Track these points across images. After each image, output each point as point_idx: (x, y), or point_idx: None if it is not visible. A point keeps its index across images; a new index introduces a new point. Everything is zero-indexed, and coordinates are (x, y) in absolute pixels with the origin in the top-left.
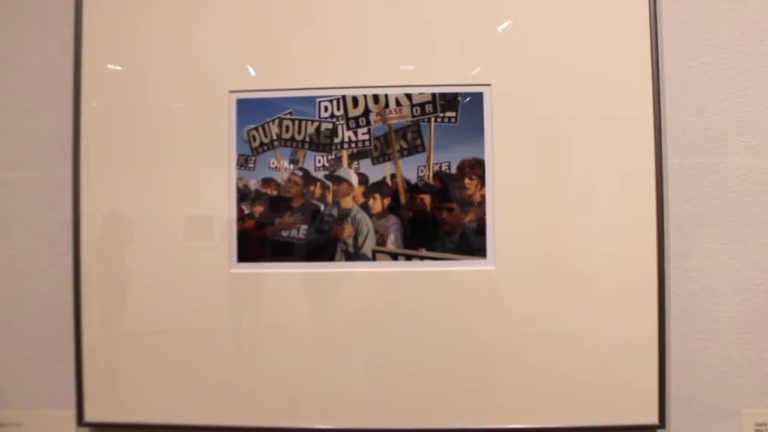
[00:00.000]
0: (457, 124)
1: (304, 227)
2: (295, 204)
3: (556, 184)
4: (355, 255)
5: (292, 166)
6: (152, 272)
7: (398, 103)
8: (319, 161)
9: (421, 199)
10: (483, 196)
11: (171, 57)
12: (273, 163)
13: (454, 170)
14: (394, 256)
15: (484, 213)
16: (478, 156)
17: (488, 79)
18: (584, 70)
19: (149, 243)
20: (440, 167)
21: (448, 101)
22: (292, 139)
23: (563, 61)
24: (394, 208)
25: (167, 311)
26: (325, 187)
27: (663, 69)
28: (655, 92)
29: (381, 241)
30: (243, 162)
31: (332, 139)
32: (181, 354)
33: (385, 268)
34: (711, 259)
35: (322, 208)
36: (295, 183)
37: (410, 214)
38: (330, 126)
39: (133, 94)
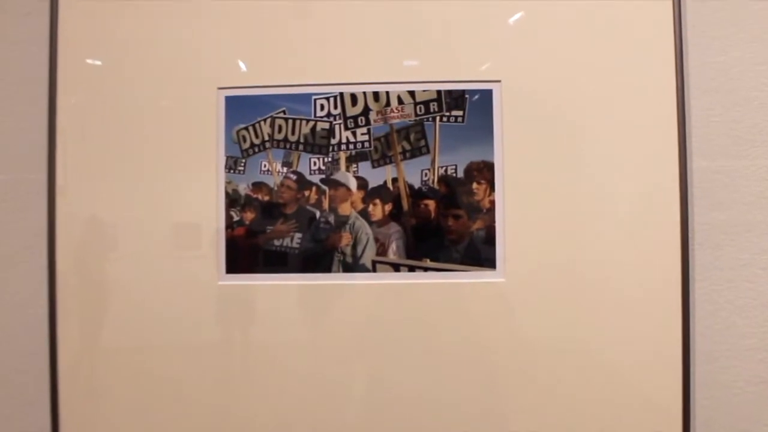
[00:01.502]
0: (464, 124)
1: (298, 235)
2: (289, 210)
3: (571, 190)
4: (353, 266)
5: (285, 170)
6: (134, 284)
7: (400, 101)
8: (315, 164)
9: (425, 205)
10: (492, 202)
11: (155, 51)
12: (265, 166)
13: (460, 174)
14: (396, 267)
15: (493, 220)
16: (486, 158)
17: (498, 75)
18: (602, 66)
19: (131, 252)
20: (446, 170)
21: (454, 99)
22: (286, 139)
23: (579, 57)
24: (395, 215)
25: (150, 326)
26: (321, 192)
27: (687, 65)
28: (679, 90)
29: (382, 250)
30: (232, 165)
31: (329, 140)
32: (165, 373)
33: (386, 280)
34: (740, 271)
35: (318, 214)
36: (289, 188)
37: (413, 221)
38: (326, 126)
39: (114, 91)
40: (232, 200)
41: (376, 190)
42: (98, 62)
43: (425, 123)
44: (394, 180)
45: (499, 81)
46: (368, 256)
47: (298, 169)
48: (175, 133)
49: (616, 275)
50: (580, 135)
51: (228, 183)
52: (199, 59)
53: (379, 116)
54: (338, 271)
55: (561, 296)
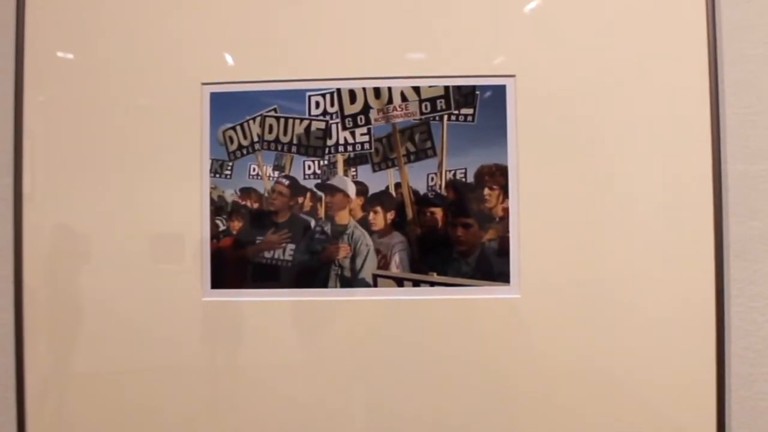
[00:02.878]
0: (474, 124)
1: (291, 247)
2: (281, 219)
3: (593, 196)
4: (352, 280)
5: (276, 174)
6: (110, 300)
7: (404, 98)
8: (309, 167)
9: (432, 213)
10: (506, 210)
11: (132, 43)
12: (254, 170)
13: (471, 178)
14: (399, 282)
15: (507, 230)
16: (499, 161)
17: (513, 70)
18: (628, 60)
19: (106, 265)
20: (454, 175)
21: (464, 96)
22: (277, 140)
23: (602, 49)
24: (399, 224)
25: (128, 347)
26: (316, 199)
27: (722, 58)
28: (713, 86)
29: (383, 263)
30: (218, 168)
31: (325, 141)
32: (144, 400)
33: (388, 295)
34: None
35: (313, 223)
36: (281, 194)
37: (418, 230)
38: (322, 125)
39: (88, 88)
40: (218, 208)
41: (377, 197)
42: (70, 55)
43: (431, 122)
44: (397, 185)
45: (513, 76)
46: (368, 269)
47: (291, 174)
48: (155, 133)
49: (643, 291)
50: (603, 136)
51: (213, 189)
52: (181, 52)
53: (381, 115)
54: (335, 286)
55: (582, 314)
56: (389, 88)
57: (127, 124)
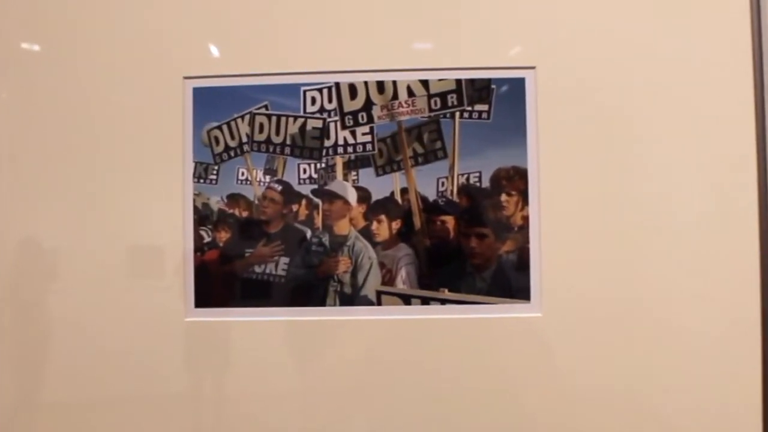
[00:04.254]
0: (490, 121)
1: (284, 260)
2: (273, 229)
3: (624, 203)
4: (353, 297)
5: (267, 179)
6: (81, 322)
7: (411, 93)
8: (305, 171)
9: (442, 223)
10: (525, 218)
11: (106, 32)
12: (242, 174)
13: (486, 183)
14: (406, 299)
15: (527, 240)
16: (518, 164)
17: (532, 61)
18: (663, 50)
19: (76, 283)
20: (468, 179)
21: (478, 90)
22: (268, 141)
23: (632, 38)
24: (405, 235)
25: (102, 374)
26: (312, 207)
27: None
28: (757, 79)
29: (388, 278)
30: (202, 173)
31: (322, 142)
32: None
33: (393, 315)
34: None
35: (309, 234)
36: (272, 201)
37: (427, 242)
38: (319, 124)
39: (56, 83)
40: (202, 217)
41: (381, 204)
42: (36, 47)
43: (441, 120)
44: (404, 191)
45: (533, 68)
46: (371, 285)
47: (284, 178)
48: (131, 134)
49: (681, 310)
50: (635, 135)
51: (197, 195)
52: (160, 42)
53: (385, 112)
54: (334, 305)
55: (612, 336)
56: (394, 82)
57: (100, 124)
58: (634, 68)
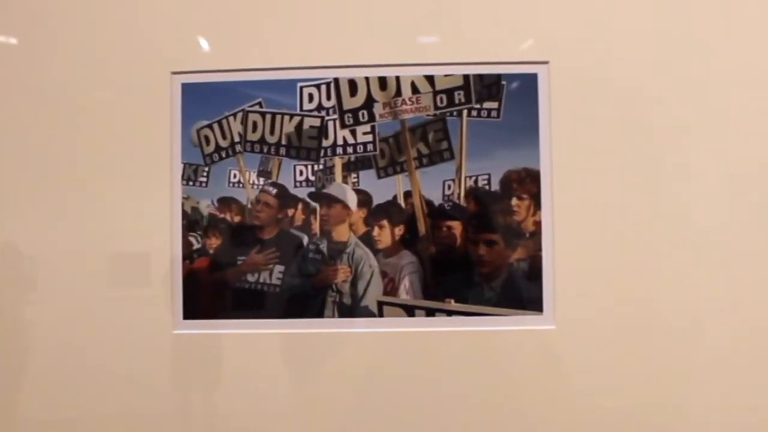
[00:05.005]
0: (499, 120)
1: (279, 269)
2: (267, 235)
3: (643, 207)
4: (353, 308)
5: (261, 181)
6: (62, 334)
7: (415, 90)
8: (302, 173)
9: (449, 228)
10: (538, 224)
11: (88, 25)
12: (234, 176)
13: (495, 186)
14: (410, 311)
15: (539, 248)
16: (530, 165)
17: (545, 55)
18: (687, 44)
19: (58, 292)
20: (476, 182)
21: (486, 87)
22: (262, 141)
23: (654, 31)
24: (409, 241)
25: (84, 390)
26: (309, 211)
27: None
28: None
29: (390, 288)
30: (191, 175)
31: (320, 142)
32: None
33: (396, 327)
34: None
35: (306, 240)
36: (267, 205)
37: (432, 249)
38: (317, 123)
39: (34, 79)
40: (192, 222)
41: (383, 208)
42: (13, 40)
43: (448, 118)
44: (407, 194)
45: (546, 63)
46: (372, 295)
47: (279, 181)
48: (115, 133)
49: (708, 323)
50: (657, 135)
51: (186, 199)
52: (147, 35)
53: (387, 110)
54: (333, 316)
55: (631, 351)
56: (397, 78)
57: (81, 123)
58: (657, 63)
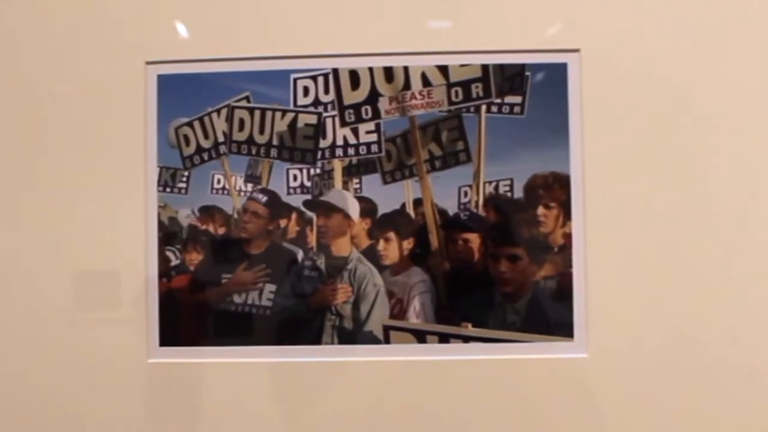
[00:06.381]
0: (523, 117)
1: (270, 288)
2: (256, 249)
3: (688, 217)
4: (355, 334)
5: (249, 187)
6: (22, 365)
7: (426, 82)
8: (296, 178)
9: (465, 241)
10: (568, 236)
11: (51, 8)
12: (218, 182)
13: (519, 193)
14: (420, 336)
15: (569, 264)
16: (558, 169)
17: (576, 42)
18: (736, 31)
19: (15, 317)
20: (496, 188)
21: (508, 79)
22: (251, 141)
23: (699, 14)
24: (419, 257)
25: (48, 428)
26: (304, 222)
27: None
28: None
29: (398, 310)
30: (168, 180)
31: (317, 142)
32: None
33: (405, 355)
34: None
35: (301, 256)
36: (255, 214)
37: (447, 265)
38: (313, 120)
39: None
40: (169, 234)
41: (390, 219)
42: None
43: (464, 115)
44: (417, 202)
45: (577, 51)
46: (378, 318)
47: (270, 187)
48: (82, 132)
49: (764, 356)
50: (703, 134)
51: (162, 207)
52: (117, 20)
53: (394, 105)
54: (332, 343)
55: (674, 384)
56: (406, 68)
57: (42, 120)
58: (701, 51)
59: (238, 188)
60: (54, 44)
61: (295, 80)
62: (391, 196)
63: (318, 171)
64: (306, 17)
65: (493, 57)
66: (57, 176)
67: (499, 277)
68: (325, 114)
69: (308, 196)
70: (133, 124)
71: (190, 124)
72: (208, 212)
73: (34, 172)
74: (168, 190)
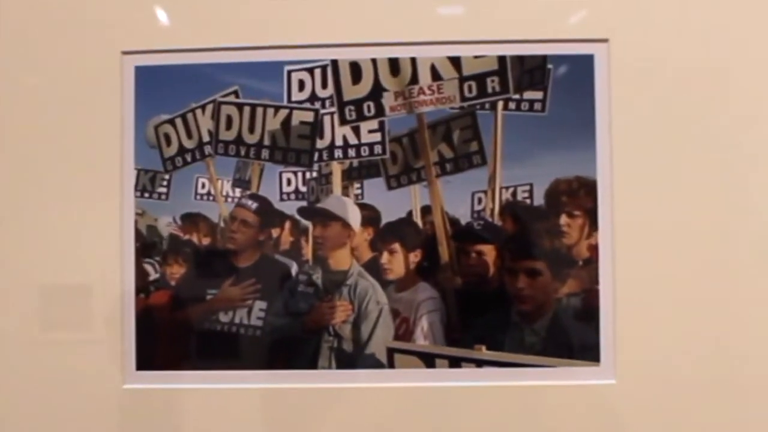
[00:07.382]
0: (545, 115)
1: (260, 305)
2: (244, 262)
3: (731, 228)
4: (355, 357)
5: (238, 192)
6: None
7: (436, 76)
8: (290, 183)
9: (479, 254)
10: (594, 249)
11: None
12: (203, 187)
13: (539, 200)
14: (429, 360)
15: (595, 280)
16: (583, 173)
17: (602, 32)
18: None
19: None
20: (514, 194)
21: (528, 72)
22: (239, 141)
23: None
24: (427, 271)
25: None
26: (299, 231)
27: None
28: None
29: (404, 331)
30: (147, 184)
31: (313, 142)
32: None
33: (411, 381)
34: None
35: (295, 269)
36: (245, 223)
37: (458, 280)
38: (309, 117)
39: None
40: (147, 245)
41: (395, 228)
42: None
43: (478, 112)
44: (426, 210)
45: (605, 41)
46: (381, 339)
47: (261, 192)
48: (51, 131)
49: None
50: (753, 137)
51: (140, 215)
52: (91, 7)
53: (400, 101)
54: (329, 367)
55: (708, 412)
56: (413, 60)
57: (8, 116)
58: (743, 42)
59: (224, 194)
60: (23, 35)
61: (289, 73)
62: (396, 203)
63: (315, 175)
64: (301, 3)
65: (511, 47)
66: (22, 179)
67: (517, 294)
68: (322, 111)
69: (304, 203)
70: (108, 122)
71: (171, 122)
72: (191, 220)
73: (1, 178)
74: (146, 195)
